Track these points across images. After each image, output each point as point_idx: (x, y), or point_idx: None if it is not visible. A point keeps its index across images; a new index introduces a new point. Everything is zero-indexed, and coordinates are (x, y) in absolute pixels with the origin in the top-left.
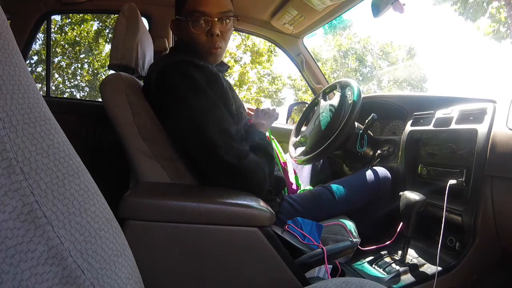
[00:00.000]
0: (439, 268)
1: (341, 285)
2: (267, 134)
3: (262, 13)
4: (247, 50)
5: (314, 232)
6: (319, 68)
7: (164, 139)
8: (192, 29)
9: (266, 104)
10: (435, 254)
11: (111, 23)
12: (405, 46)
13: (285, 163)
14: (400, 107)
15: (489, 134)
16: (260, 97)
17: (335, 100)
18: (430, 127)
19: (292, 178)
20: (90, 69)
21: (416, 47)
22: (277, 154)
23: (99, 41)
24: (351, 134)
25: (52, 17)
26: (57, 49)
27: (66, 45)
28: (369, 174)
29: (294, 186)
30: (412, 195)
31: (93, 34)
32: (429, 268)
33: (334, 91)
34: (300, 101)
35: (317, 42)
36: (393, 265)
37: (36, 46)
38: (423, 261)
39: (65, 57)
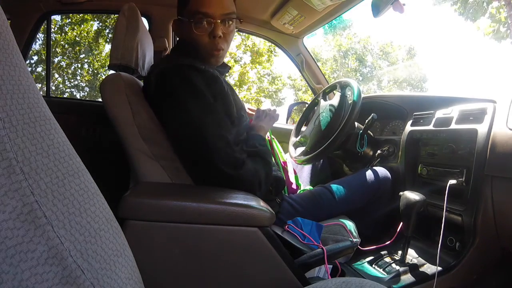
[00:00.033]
0: (439, 268)
1: (341, 285)
2: (267, 134)
3: (262, 13)
4: (247, 50)
5: (314, 232)
6: (319, 68)
7: (164, 139)
8: (195, 30)
9: (266, 104)
10: (435, 254)
11: (111, 23)
12: (405, 46)
13: (285, 162)
14: (400, 107)
15: (489, 134)
16: (260, 97)
17: (335, 100)
18: (430, 127)
19: (292, 178)
20: (90, 69)
21: (416, 47)
22: (277, 154)
23: (99, 41)
24: (351, 134)
25: (52, 17)
26: (57, 49)
27: (66, 45)
28: (369, 174)
29: (294, 186)
30: (412, 195)
31: (93, 34)
32: (429, 268)
33: (334, 91)
34: (300, 101)
35: (317, 42)
36: (393, 265)
37: (36, 46)
38: (423, 261)
39: (65, 57)
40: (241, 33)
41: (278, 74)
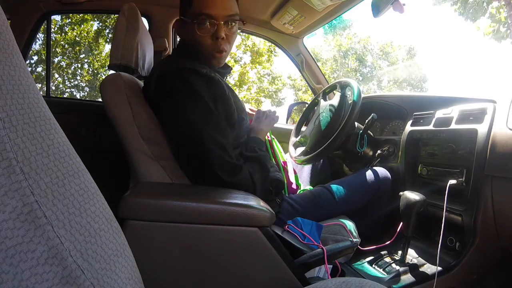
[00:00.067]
0: (439, 268)
1: (341, 285)
2: (268, 134)
3: (262, 13)
4: (247, 50)
5: (314, 232)
6: (319, 68)
7: (164, 139)
8: (198, 32)
9: (266, 104)
10: (435, 254)
11: (111, 23)
12: (405, 46)
13: (285, 162)
14: (400, 107)
15: (489, 134)
16: (260, 97)
17: (335, 100)
18: (430, 127)
19: (292, 178)
20: (90, 69)
21: (416, 47)
22: (277, 154)
23: (99, 41)
24: (351, 134)
25: (52, 17)
26: (57, 49)
27: (66, 45)
28: (369, 174)
29: (294, 186)
30: (412, 195)
31: (93, 34)
32: (429, 268)
33: (334, 91)
34: (300, 101)
35: (317, 42)
36: (393, 265)
37: (36, 46)
38: (423, 261)
39: (65, 57)
40: (241, 33)
41: (278, 74)
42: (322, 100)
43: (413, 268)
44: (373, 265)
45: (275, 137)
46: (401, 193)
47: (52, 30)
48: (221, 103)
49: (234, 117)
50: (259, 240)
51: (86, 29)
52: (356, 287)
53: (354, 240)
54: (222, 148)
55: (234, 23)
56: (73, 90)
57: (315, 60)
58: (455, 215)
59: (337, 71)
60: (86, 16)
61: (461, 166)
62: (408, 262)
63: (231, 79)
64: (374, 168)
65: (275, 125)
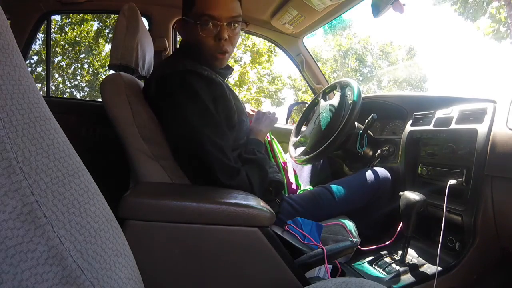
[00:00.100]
0: (439, 268)
1: (341, 285)
2: (267, 134)
3: (262, 13)
4: (247, 50)
5: (314, 232)
6: (319, 68)
7: (164, 139)
8: (201, 33)
9: (266, 104)
10: (435, 254)
11: (111, 23)
12: (405, 46)
13: (285, 163)
14: (400, 107)
15: (489, 134)
16: (260, 97)
17: (335, 100)
18: (430, 127)
19: (292, 178)
20: (90, 69)
21: (416, 47)
22: (277, 154)
23: (99, 41)
24: (351, 134)
25: (52, 17)
26: (57, 49)
27: (66, 45)
28: (369, 174)
29: (294, 186)
30: (412, 195)
31: (93, 34)
32: (429, 268)
33: (334, 91)
34: (300, 101)
35: (317, 42)
36: (393, 265)
37: (36, 46)
38: (423, 261)
39: (65, 57)
40: (241, 33)
41: (278, 74)
42: (322, 100)
43: (413, 268)
44: (373, 265)
45: (275, 137)
46: (401, 193)
47: (52, 30)
48: (221, 104)
49: (234, 119)
50: (259, 240)
51: (86, 29)
52: (356, 287)
53: (354, 240)
54: (221, 151)
55: (237, 25)
56: (73, 90)
57: (315, 60)
58: (455, 215)
59: (337, 71)
60: (86, 16)
61: (461, 166)
62: (408, 262)
63: (231, 79)
64: (374, 168)
65: (275, 125)
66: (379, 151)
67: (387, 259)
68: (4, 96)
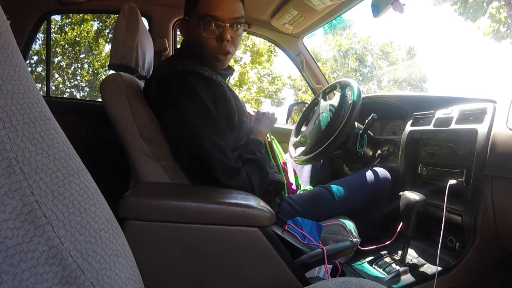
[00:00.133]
0: (439, 268)
1: (341, 285)
2: (267, 134)
3: (262, 13)
4: (247, 50)
5: (314, 232)
6: (319, 68)
7: (164, 139)
8: (203, 33)
9: (266, 104)
10: (435, 254)
11: (111, 23)
12: (405, 46)
13: (285, 163)
14: (400, 107)
15: (489, 134)
16: (260, 97)
17: (335, 100)
18: (430, 127)
19: (292, 179)
20: (90, 69)
21: (416, 47)
22: (277, 155)
23: (99, 41)
24: (351, 134)
25: (52, 17)
26: (57, 49)
27: (66, 45)
28: (369, 174)
29: (294, 187)
30: (412, 195)
31: (93, 34)
32: (429, 268)
33: (334, 91)
34: (300, 101)
35: (317, 42)
36: (393, 265)
37: (36, 46)
38: (423, 261)
39: (65, 57)
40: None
41: (278, 74)
42: (322, 100)
43: (413, 268)
44: (373, 265)
45: (275, 138)
46: (401, 193)
47: (52, 30)
48: (222, 105)
49: (234, 119)
50: (259, 240)
51: (86, 29)
52: (356, 287)
53: (354, 240)
54: (221, 151)
55: (239, 26)
56: (73, 90)
57: (315, 60)
58: (455, 215)
59: (337, 71)
60: (86, 16)
61: (461, 166)
62: (408, 262)
63: (231, 79)
64: (374, 168)
65: (275, 125)
66: (379, 151)
67: (387, 259)
68: (4, 96)
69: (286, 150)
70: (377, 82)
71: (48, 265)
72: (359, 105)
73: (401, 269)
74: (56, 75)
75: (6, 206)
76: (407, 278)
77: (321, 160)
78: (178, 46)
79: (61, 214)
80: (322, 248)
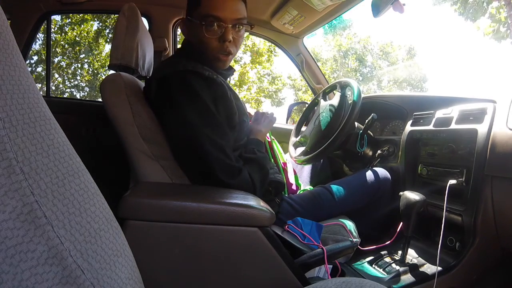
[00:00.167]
0: (439, 268)
1: (341, 285)
2: (267, 135)
3: (262, 13)
4: (247, 50)
5: (314, 232)
6: (319, 68)
7: (164, 139)
8: (205, 34)
9: (266, 104)
10: (435, 254)
11: (111, 23)
12: (405, 46)
13: (285, 163)
14: (400, 107)
15: (489, 134)
16: (260, 97)
17: (335, 100)
18: (430, 127)
19: (292, 179)
20: (90, 69)
21: (416, 47)
22: (277, 155)
23: (99, 41)
24: (351, 134)
25: (52, 17)
26: (57, 49)
27: (66, 45)
28: (369, 174)
29: (294, 187)
30: (412, 195)
31: (93, 34)
32: (429, 268)
33: (334, 91)
34: (300, 101)
35: (317, 42)
36: (393, 265)
37: (36, 46)
38: (423, 261)
39: (65, 57)
40: None
41: (278, 74)
42: (322, 100)
43: (413, 268)
44: (373, 265)
45: (275, 138)
46: (401, 193)
47: (52, 30)
48: (222, 104)
49: (235, 119)
50: (259, 240)
51: (86, 29)
52: (356, 287)
53: (354, 240)
54: (221, 150)
55: (241, 27)
56: (73, 90)
57: (315, 60)
58: (455, 215)
59: (337, 71)
60: (86, 16)
61: (461, 166)
62: (408, 262)
63: (231, 79)
64: (374, 168)
65: (275, 125)
66: (379, 151)
67: (387, 259)
68: (4, 96)
69: (286, 150)
70: (377, 82)
71: (48, 265)
72: (359, 105)
73: (401, 269)
74: (56, 75)
75: (6, 206)
76: (407, 278)
77: (321, 160)
78: (178, 46)
79: (61, 214)
80: (322, 248)
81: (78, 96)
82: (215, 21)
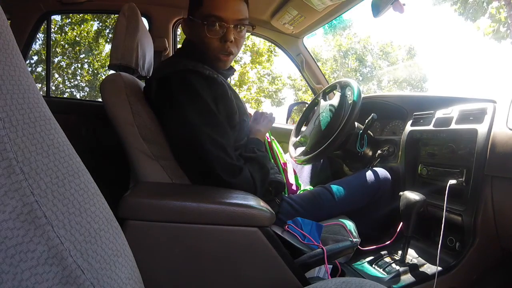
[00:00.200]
0: (439, 268)
1: (341, 285)
2: (267, 135)
3: (262, 13)
4: (247, 50)
5: (314, 232)
6: (319, 68)
7: (164, 139)
8: (207, 33)
9: (266, 104)
10: (435, 254)
11: (111, 23)
12: (405, 46)
13: (285, 163)
14: (400, 107)
15: (489, 134)
16: (260, 97)
17: (335, 100)
18: (430, 127)
19: (292, 179)
20: (90, 69)
21: (416, 47)
22: (277, 154)
23: (99, 41)
24: (351, 134)
25: (52, 17)
26: (57, 49)
27: (66, 45)
28: (369, 174)
29: (294, 187)
30: (412, 195)
31: (93, 34)
32: (429, 268)
33: (334, 91)
34: (300, 101)
35: (317, 42)
36: (393, 265)
37: (36, 46)
38: (423, 261)
39: (65, 57)
40: None
41: (278, 74)
42: (322, 100)
43: (413, 268)
44: (373, 265)
45: (275, 138)
46: (401, 193)
47: (52, 30)
48: (223, 104)
49: (235, 119)
50: (259, 240)
51: (86, 29)
52: (356, 287)
53: (354, 240)
54: (222, 149)
55: (243, 27)
56: (73, 90)
57: (315, 60)
58: (455, 215)
59: (337, 71)
60: (86, 16)
61: (461, 166)
62: (408, 262)
63: (231, 79)
64: (374, 168)
65: (275, 125)
66: (379, 151)
67: (387, 259)
68: (4, 96)
69: (286, 150)
70: (377, 82)
71: (48, 265)
72: (359, 105)
73: (401, 269)
74: (56, 75)
75: (6, 206)
76: (407, 278)
77: (321, 160)
78: (178, 46)
79: (61, 214)
80: (322, 248)
81: (78, 96)
82: (217, 21)
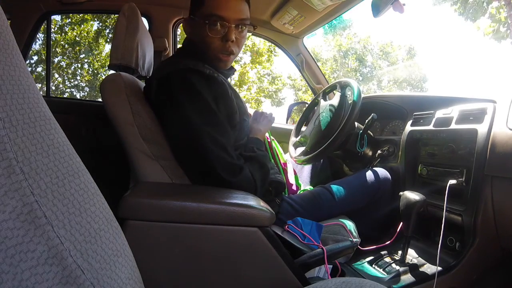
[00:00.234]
0: (439, 268)
1: (341, 285)
2: (267, 135)
3: (262, 13)
4: (247, 50)
5: (314, 232)
6: (319, 68)
7: (164, 139)
8: (209, 33)
9: (266, 104)
10: (435, 254)
11: (111, 23)
12: (405, 46)
13: (285, 163)
14: (400, 107)
15: (489, 134)
16: (260, 97)
17: (335, 100)
18: (430, 127)
19: (292, 179)
20: (90, 69)
21: (416, 47)
22: (277, 154)
23: (99, 41)
24: (351, 134)
25: (52, 17)
26: (57, 49)
27: (66, 45)
28: (369, 174)
29: (294, 187)
30: (412, 195)
31: (93, 34)
32: (429, 268)
33: (334, 91)
34: (300, 101)
35: (317, 42)
36: (393, 265)
37: (36, 46)
38: (423, 261)
39: (65, 57)
40: None
41: (278, 74)
42: (322, 100)
43: (413, 268)
44: (373, 265)
45: (275, 138)
46: (401, 193)
47: (52, 30)
48: (223, 103)
49: (236, 118)
50: (259, 240)
51: (86, 29)
52: (356, 287)
53: (354, 240)
54: (223, 148)
55: (244, 27)
56: (73, 90)
57: (315, 60)
58: (455, 215)
59: (337, 71)
60: (86, 16)
61: (461, 166)
62: (408, 262)
63: (231, 79)
64: (374, 168)
65: (275, 125)
66: (379, 151)
67: (387, 259)
68: (4, 96)
69: (286, 150)
70: (377, 82)
71: (48, 265)
72: (359, 105)
73: (401, 269)
74: (56, 75)
75: (6, 206)
76: (407, 278)
77: (321, 160)
78: (178, 46)
79: (61, 214)
80: (322, 248)
81: (78, 96)
82: (218, 21)
